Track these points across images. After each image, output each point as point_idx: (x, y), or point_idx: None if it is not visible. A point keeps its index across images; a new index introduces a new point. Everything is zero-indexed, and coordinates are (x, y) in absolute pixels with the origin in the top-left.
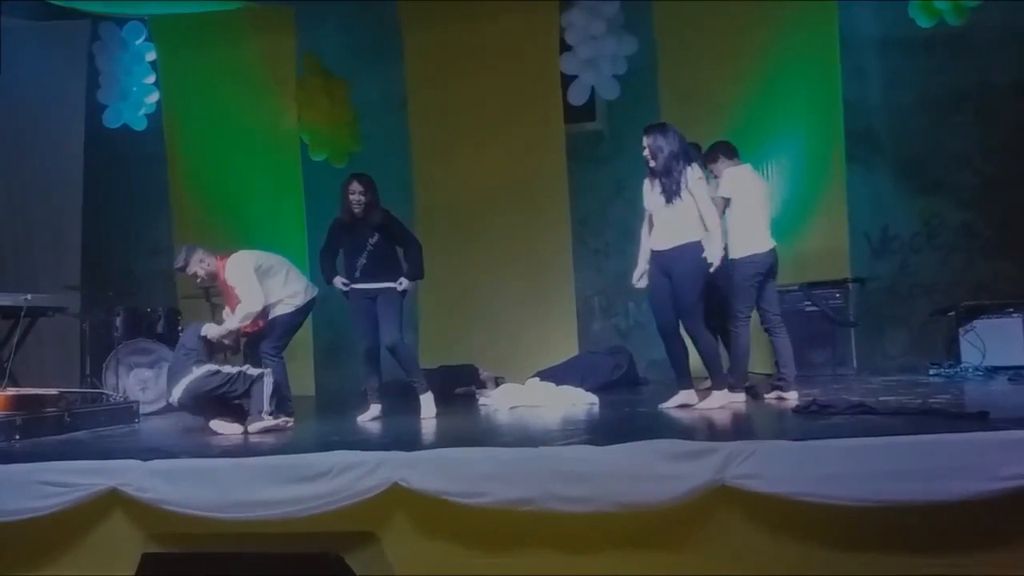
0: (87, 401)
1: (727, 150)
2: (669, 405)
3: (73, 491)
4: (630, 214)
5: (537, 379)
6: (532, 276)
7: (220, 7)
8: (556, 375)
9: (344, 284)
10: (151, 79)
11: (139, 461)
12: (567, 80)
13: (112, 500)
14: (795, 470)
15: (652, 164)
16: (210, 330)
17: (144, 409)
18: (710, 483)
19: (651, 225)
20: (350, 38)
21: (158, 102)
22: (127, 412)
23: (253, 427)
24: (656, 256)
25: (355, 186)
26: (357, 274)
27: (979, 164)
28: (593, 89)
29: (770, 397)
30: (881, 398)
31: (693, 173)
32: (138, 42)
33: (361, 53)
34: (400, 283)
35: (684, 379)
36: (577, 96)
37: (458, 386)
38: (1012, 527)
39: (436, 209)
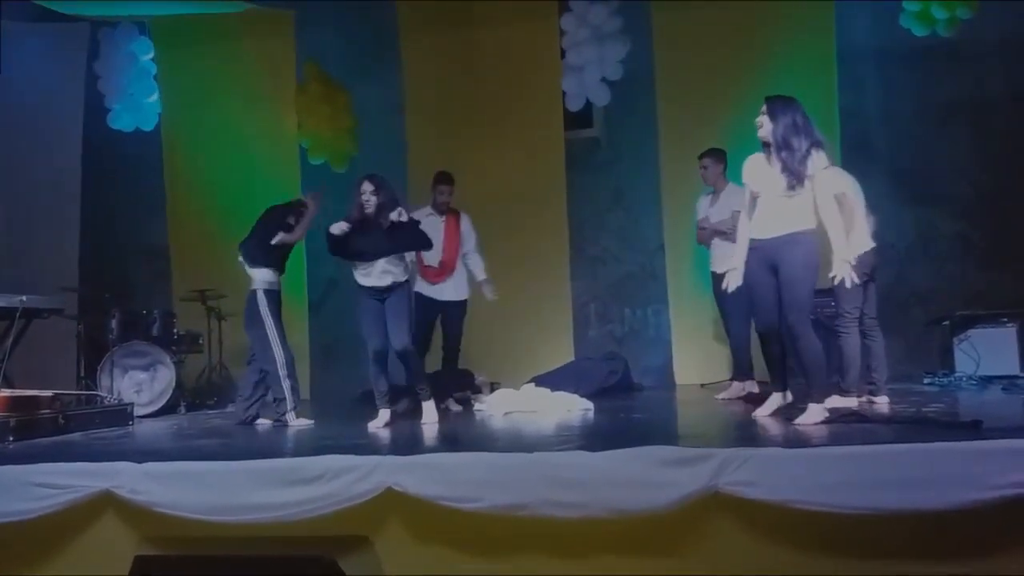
0: (82, 403)
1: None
2: (764, 412)
3: (66, 493)
4: (627, 221)
5: (532, 385)
6: (529, 282)
7: (219, 8)
8: (551, 381)
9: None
10: (151, 76)
11: (133, 463)
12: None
13: (106, 502)
14: (789, 477)
15: (766, 138)
16: None
17: (138, 411)
18: (704, 490)
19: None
20: (349, 43)
21: (161, 101)
22: (121, 414)
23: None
24: (759, 247)
25: (366, 186)
26: (366, 271)
27: (974, 175)
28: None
29: (860, 401)
30: (875, 406)
31: (820, 160)
32: (133, 44)
33: (360, 58)
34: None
35: (783, 383)
36: (573, 102)
37: (453, 391)
38: (1004, 536)
39: None
